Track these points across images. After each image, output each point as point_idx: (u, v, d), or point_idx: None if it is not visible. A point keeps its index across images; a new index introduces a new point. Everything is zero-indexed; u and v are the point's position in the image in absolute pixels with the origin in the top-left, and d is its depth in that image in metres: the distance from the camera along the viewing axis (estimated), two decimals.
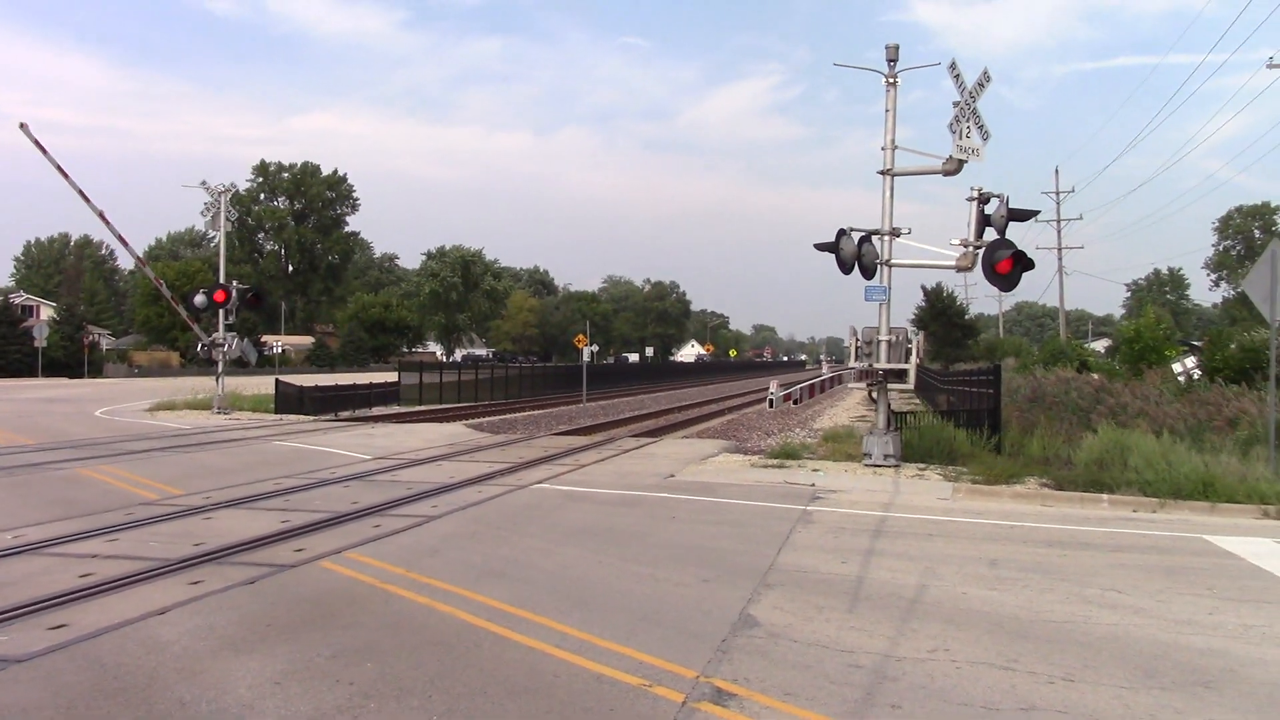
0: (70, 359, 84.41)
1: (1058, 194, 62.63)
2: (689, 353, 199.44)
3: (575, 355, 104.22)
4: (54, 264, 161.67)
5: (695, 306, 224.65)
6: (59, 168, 30.44)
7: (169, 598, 8.81)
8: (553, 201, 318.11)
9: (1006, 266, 18.27)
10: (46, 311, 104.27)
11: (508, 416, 38.88)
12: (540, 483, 17.17)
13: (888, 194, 19.76)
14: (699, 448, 24.76)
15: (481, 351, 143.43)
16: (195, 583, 9.37)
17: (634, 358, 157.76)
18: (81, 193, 31.10)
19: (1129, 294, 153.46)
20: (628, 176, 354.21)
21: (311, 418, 34.71)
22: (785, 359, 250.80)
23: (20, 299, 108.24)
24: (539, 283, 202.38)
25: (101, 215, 31.74)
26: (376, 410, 39.75)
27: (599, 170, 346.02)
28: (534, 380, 60.44)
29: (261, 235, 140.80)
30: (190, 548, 10.92)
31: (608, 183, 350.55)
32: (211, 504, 14.16)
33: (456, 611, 8.57)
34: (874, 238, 19.51)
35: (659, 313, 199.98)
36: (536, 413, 42.26)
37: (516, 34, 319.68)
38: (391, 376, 52.14)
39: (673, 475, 18.60)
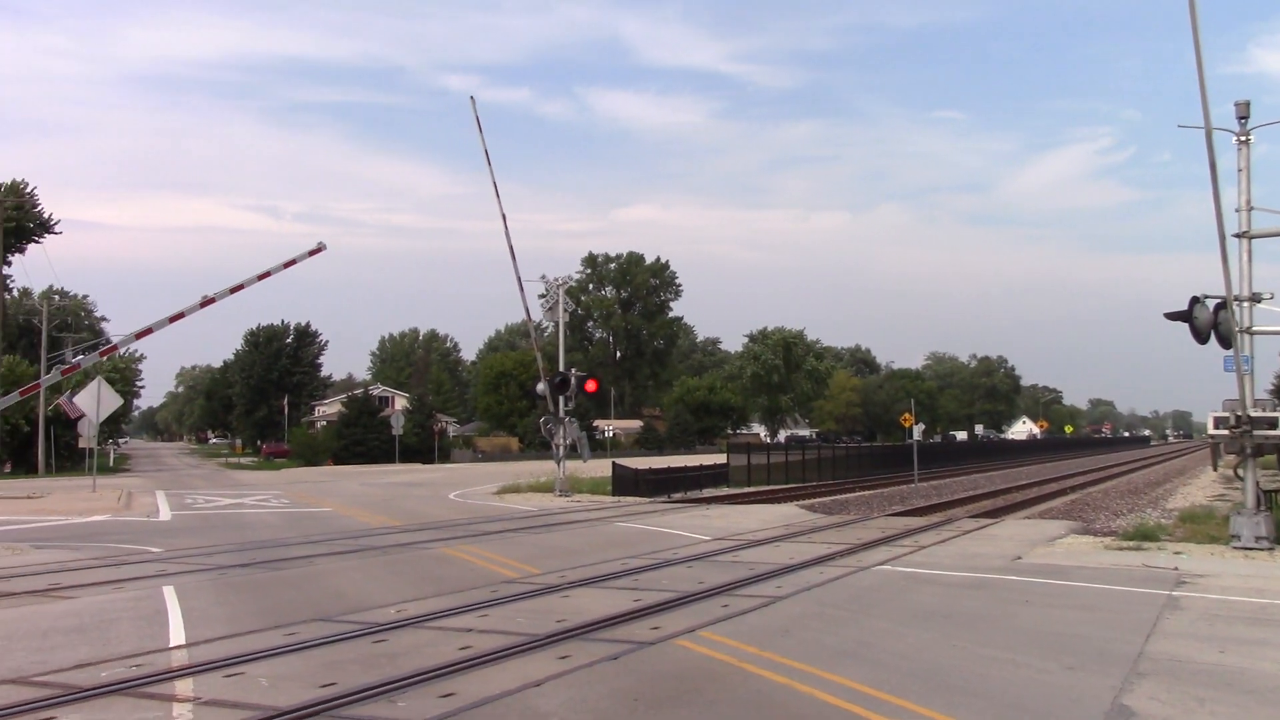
0: (422, 445, 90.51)
1: None
2: (1020, 429, 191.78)
3: (900, 434, 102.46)
4: (405, 357, 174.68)
5: (1025, 381, 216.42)
6: (486, 154, 33.05)
7: (542, 671, 9.30)
8: (872, 279, 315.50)
9: None
10: (400, 402, 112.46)
11: (839, 497, 38.65)
12: (882, 564, 16.99)
13: (1245, 258, 18.59)
14: (1043, 529, 23.80)
15: (805, 432, 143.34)
16: (563, 657, 9.85)
17: (962, 436, 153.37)
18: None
19: None
20: (948, 251, 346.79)
21: (647, 499, 35.73)
22: (1126, 435, 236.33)
23: (378, 391, 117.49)
24: (861, 361, 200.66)
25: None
26: (707, 492, 40.41)
27: (918, 246, 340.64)
28: (861, 460, 59.86)
29: (591, 323, 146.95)
30: (554, 624, 11.48)
31: (927, 258, 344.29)
32: (567, 583, 14.83)
33: (815, 691, 8.61)
34: (1233, 304, 18.34)
35: (987, 389, 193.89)
36: (867, 493, 41.79)
37: (830, 116, 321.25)
38: (718, 458, 52.94)
39: (1019, 557, 17.98)
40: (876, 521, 26.28)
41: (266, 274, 24.38)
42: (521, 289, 34.69)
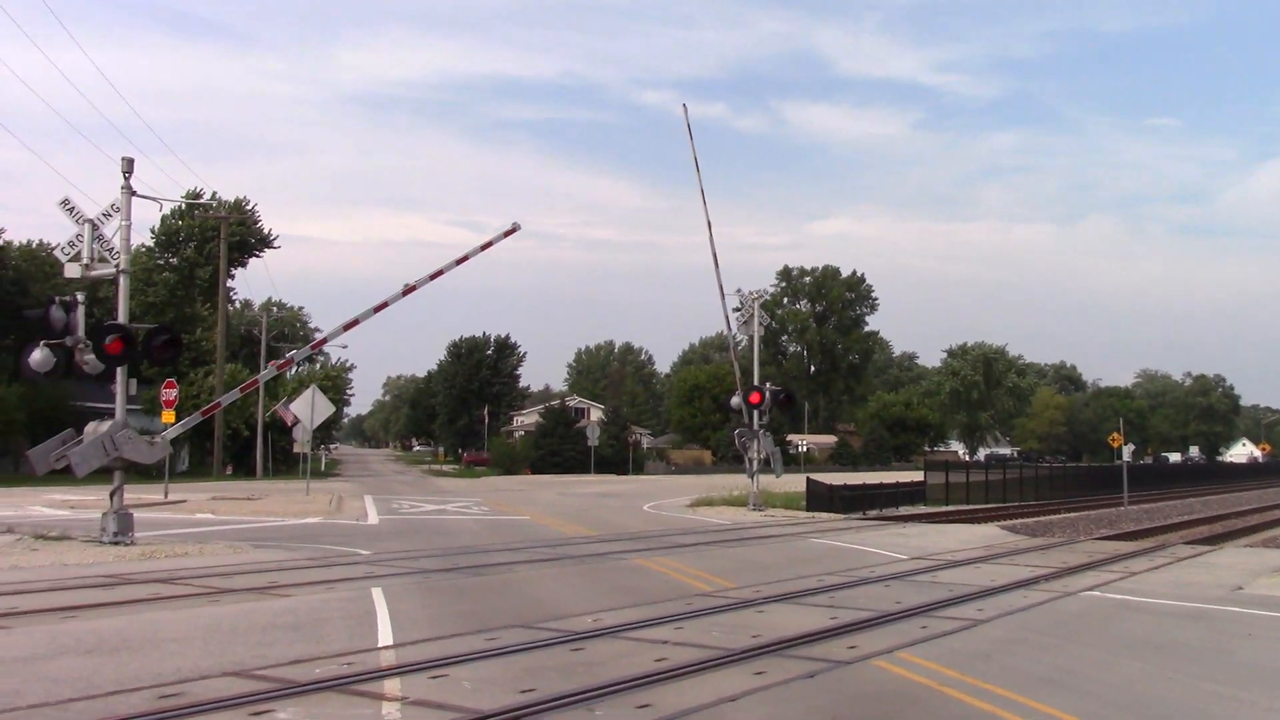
0: (616, 456, 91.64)
1: None
2: (1240, 452, 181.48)
3: (1107, 455, 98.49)
4: (600, 369, 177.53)
5: (1246, 402, 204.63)
6: (695, 160, 34.52)
7: (737, 686, 9.27)
8: (1078, 293, 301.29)
9: None
10: (596, 413, 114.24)
11: (1042, 519, 37.36)
12: (1089, 590, 16.35)
13: None
14: (1267, 558, 22.50)
15: (1005, 450, 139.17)
16: (759, 673, 9.79)
17: (1174, 457, 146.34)
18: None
19: None
20: (1160, 264, 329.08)
21: (841, 516, 35.32)
22: None
23: (574, 402, 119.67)
24: (1065, 379, 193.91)
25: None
26: (903, 509, 39.74)
27: (1127, 259, 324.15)
28: (1065, 480, 57.78)
29: (785, 337, 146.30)
30: (749, 639, 11.44)
31: (1137, 271, 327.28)
32: (761, 598, 14.76)
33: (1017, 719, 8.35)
34: None
35: (1203, 409, 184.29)
36: (1072, 515, 40.30)
37: (1034, 125, 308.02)
38: (915, 475, 51.97)
39: (1240, 588, 17.03)
40: (1083, 545, 25.30)
41: (464, 258, 24.97)
42: (723, 296, 35.26)
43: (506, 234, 26.08)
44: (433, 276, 24.34)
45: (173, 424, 24.68)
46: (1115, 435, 50.89)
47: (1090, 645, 11.74)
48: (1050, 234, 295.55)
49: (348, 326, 23.61)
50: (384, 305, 23.61)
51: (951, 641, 11.70)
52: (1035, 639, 12.05)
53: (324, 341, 24.16)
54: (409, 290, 23.86)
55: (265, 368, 72.07)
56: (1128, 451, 49.81)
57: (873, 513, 37.59)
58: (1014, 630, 12.57)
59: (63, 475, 21.42)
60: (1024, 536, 27.95)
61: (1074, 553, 22.71)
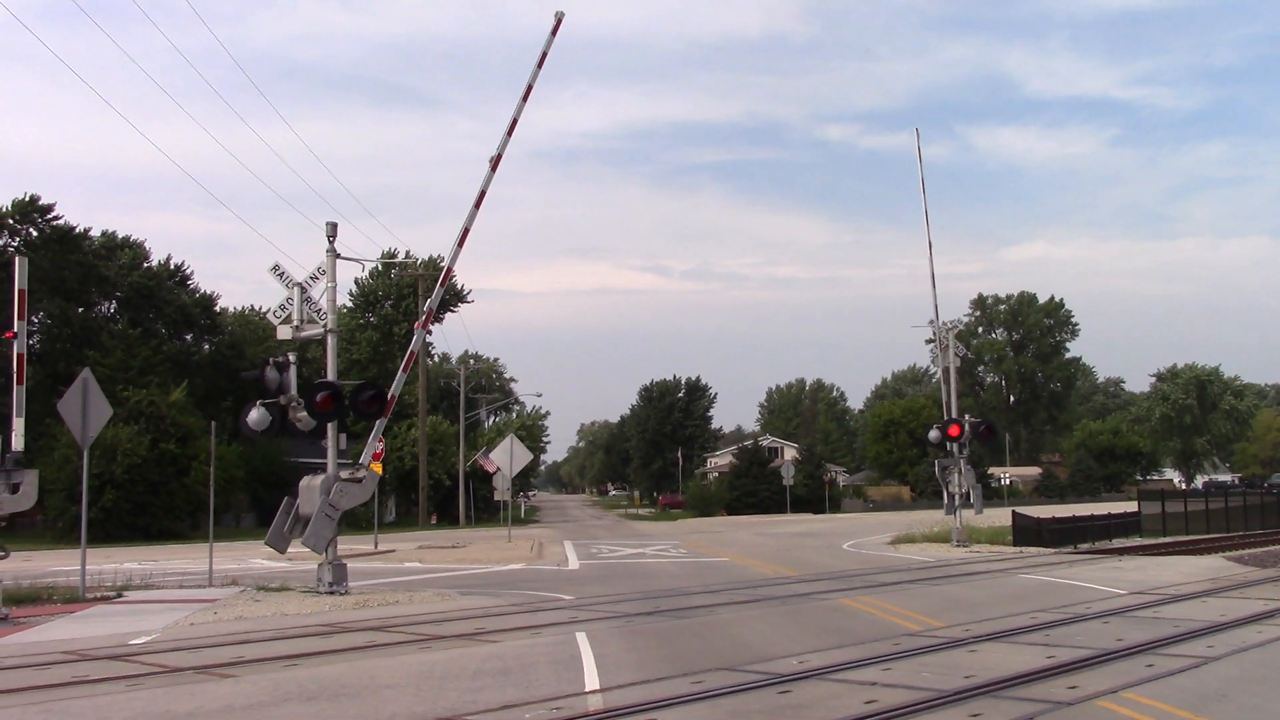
0: (812, 495, 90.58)
1: None
2: None
3: None
4: (792, 408, 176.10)
5: None
6: (923, 183, 35.63)
7: None
8: None
9: None
10: (790, 452, 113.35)
11: (1271, 548, 35.12)
12: None
13: None
14: None
15: (1226, 477, 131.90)
16: (974, 715, 9.45)
17: None
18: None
19: None
20: None
21: (1051, 550, 34.00)
22: None
23: (767, 441, 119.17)
24: None
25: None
26: (1116, 542, 38.04)
27: None
28: None
29: (981, 368, 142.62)
30: (961, 679, 11.05)
31: None
32: (972, 636, 14.27)
33: None
34: None
35: None
36: None
37: (1241, 134, 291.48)
38: (1127, 506, 49.87)
39: None
40: None
41: (528, 92, 24.77)
42: (936, 314, 34.79)
43: (553, 31, 25.40)
44: (509, 132, 24.29)
45: (379, 473, 25.39)
46: None
47: None
48: (1265, 246, 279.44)
49: (460, 242, 24.05)
50: (482, 195, 23.84)
51: (1181, 680, 11.06)
52: (1276, 677, 11.29)
53: (450, 273, 24.64)
54: (496, 161, 24.02)
55: (464, 419, 74.34)
56: None
57: (1084, 546, 36.08)
58: (1251, 668, 11.81)
59: None
60: (1252, 568, 26.35)
61: None
